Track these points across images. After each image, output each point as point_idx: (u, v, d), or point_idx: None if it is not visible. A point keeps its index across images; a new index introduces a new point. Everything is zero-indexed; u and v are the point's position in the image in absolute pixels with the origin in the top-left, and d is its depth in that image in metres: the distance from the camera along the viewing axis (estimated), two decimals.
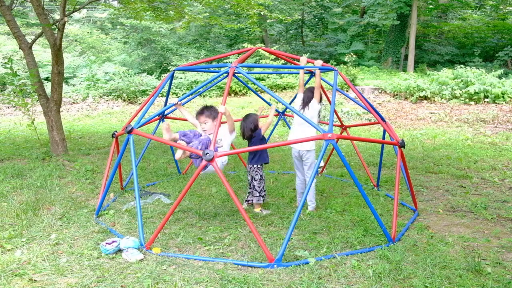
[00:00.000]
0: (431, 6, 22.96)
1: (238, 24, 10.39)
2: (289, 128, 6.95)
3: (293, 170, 6.73)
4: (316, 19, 25.42)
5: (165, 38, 22.39)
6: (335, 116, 5.85)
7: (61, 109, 7.61)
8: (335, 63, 20.08)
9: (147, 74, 18.57)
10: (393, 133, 4.47)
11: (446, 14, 24.42)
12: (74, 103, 15.82)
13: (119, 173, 5.36)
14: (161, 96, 14.78)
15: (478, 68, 14.96)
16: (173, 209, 3.67)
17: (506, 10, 24.99)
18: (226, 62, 11.75)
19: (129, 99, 15.99)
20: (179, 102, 4.62)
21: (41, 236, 3.88)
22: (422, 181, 6.10)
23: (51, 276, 3.12)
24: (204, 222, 4.35)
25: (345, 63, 18.45)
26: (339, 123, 6.11)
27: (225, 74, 4.69)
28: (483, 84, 13.58)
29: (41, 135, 8.91)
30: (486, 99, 13.36)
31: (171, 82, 5.30)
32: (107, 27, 27.54)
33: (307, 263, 3.36)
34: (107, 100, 15.95)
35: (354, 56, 18.53)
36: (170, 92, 6.08)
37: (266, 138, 5.16)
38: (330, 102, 4.38)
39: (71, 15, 8.32)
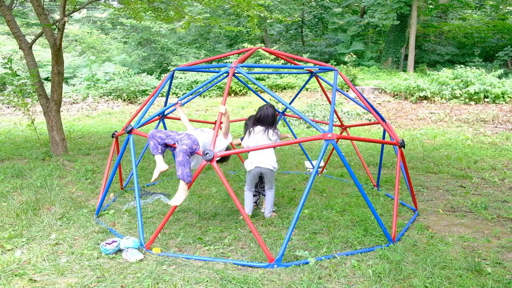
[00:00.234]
0: (431, 6, 22.95)
1: (238, 27, 10.39)
2: (289, 128, 6.97)
3: (293, 170, 6.74)
4: (316, 19, 25.43)
5: (165, 38, 22.39)
6: (335, 116, 5.86)
7: (61, 109, 7.62)
8: (335, 63, 20.09)
9: (147, 74, 18.57)
10: (393, 133, 4.47)
11: (446, 14, 24.42)
12: (74, 103, 15.82)
13: (119, 173, 5.36)
14: (161, 96, 14.78)
15: (478, 68, 14.96)
16: (173, 209, 3.67)
17: (506, 10, 25.00)
18: (226, 62, 11.76)
19: (129, 99, 16.00)
20: (179, 102, 4.62)
21: (41, 236, 3.88)
22: (422, 181, 6.10)
23: (51, 276, 3.12)
24: (204, 222, 4.35)
25: (345, 63, 18.45)
26: (339, 123, 6.10)
27: (225, 74, 4.69)
28: (483, 84, 13.58)
29: (41, 135, 8.91)
30: (486, 99, 13.35)
31: (171, 82, 5.30)
32: (107, 27, 27.55)
33: (307, 263, 3.37)
34: (107, 100, 15.95)
35: (354, 56, 18.53)
36: (170, 92, 6.08)
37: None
38: (330, 102, 4.37)
39: (71, 15, 8.32)
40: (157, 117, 5.36)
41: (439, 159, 7.41)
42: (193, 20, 9.38)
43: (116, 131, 5.03)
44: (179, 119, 6.52)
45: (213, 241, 3.87)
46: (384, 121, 4.69)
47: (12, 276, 3.09)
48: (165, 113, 5.61)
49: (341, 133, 5.95)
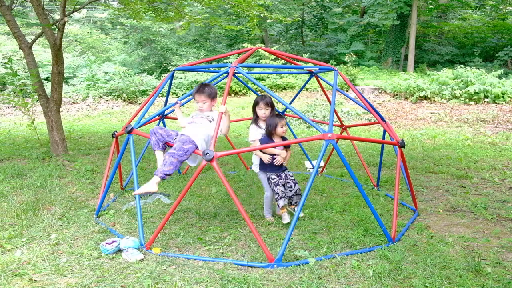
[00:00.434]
0: (431, 6, 22.96)
1: (238, 26, 10.38)
2: (289, 128, 6.96)
3: (293, 170, 6.74)
4: (316, 19, 25.44)
5: (165, 38, 22.41)
6: (335, 116, 5.86)
7: (61, 109, 7.62)
8: (335, 63, 20.10)
9: (147, 74, 18.58)
10: (393, 133, 4.47)
11: (446, 14, 24.43)
12: (74, 103, 15.82)
13: (119, 173, 5.37)
14: (161, 96, 14.79)
15: (478, 68, 14.96)
16: (173, 209, 3.67)
17: (506, 10, 25.01)
18: (226, 62, 11.76)
19: (129, 99, 16.00)
20: (178, 103, 4.61)
21: (41, 236, 3.88)
22: (422, 181, 6.10)
23: (51, 276, 3.12)
24: (204, 222, 4.35)
25: (345, 63, 18.46)
26: (339, 123, 6.10)
27: (225, 74, 4.69)
28: (483, 84, 13.58)
29: (41, 135, 8.91)
30: (486, 99, 13.36)
31: (171, 82, 5.30)
32: (107, 27, 27.56)
33: (307, 263, 3.36)
34: (107, 100, 15.95)
35: (354, 56, 18.54)
36: (170, 92, 6.08)
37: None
38: (330, 102, 4.37)
39: (71, 15, 8.32)
40: (157, 117, 5.36)
41: (439, 159, 7.41)
42: (193, 20, 9.38)
43: (116, 131, 5.03)
44: None
45: (213, 241, 3.87)
46: (384, 121, 4.69)
47: (12, 276, 3.09)
48: (165, 113, 5.61)
49: (341, 133, 5.95)
